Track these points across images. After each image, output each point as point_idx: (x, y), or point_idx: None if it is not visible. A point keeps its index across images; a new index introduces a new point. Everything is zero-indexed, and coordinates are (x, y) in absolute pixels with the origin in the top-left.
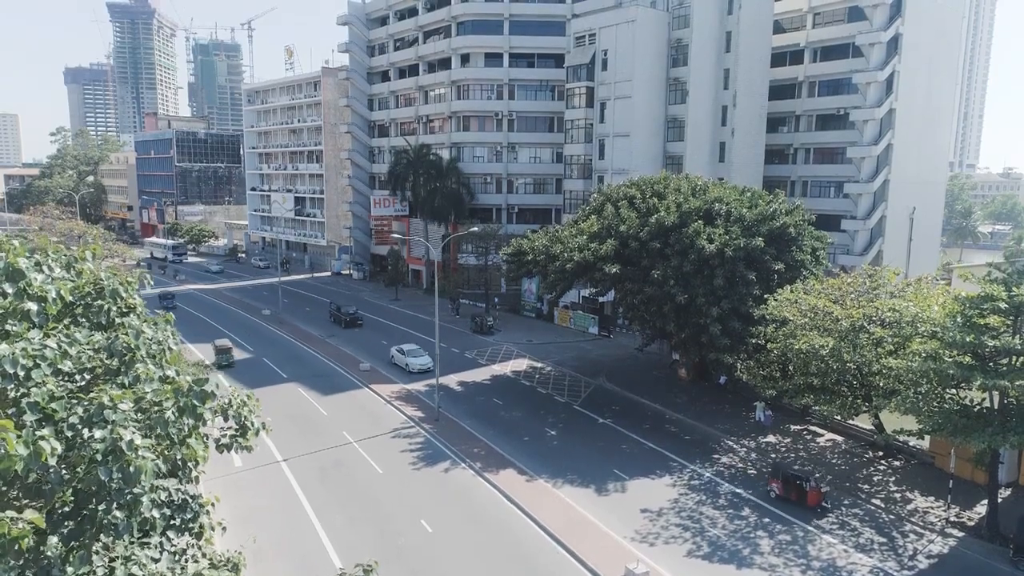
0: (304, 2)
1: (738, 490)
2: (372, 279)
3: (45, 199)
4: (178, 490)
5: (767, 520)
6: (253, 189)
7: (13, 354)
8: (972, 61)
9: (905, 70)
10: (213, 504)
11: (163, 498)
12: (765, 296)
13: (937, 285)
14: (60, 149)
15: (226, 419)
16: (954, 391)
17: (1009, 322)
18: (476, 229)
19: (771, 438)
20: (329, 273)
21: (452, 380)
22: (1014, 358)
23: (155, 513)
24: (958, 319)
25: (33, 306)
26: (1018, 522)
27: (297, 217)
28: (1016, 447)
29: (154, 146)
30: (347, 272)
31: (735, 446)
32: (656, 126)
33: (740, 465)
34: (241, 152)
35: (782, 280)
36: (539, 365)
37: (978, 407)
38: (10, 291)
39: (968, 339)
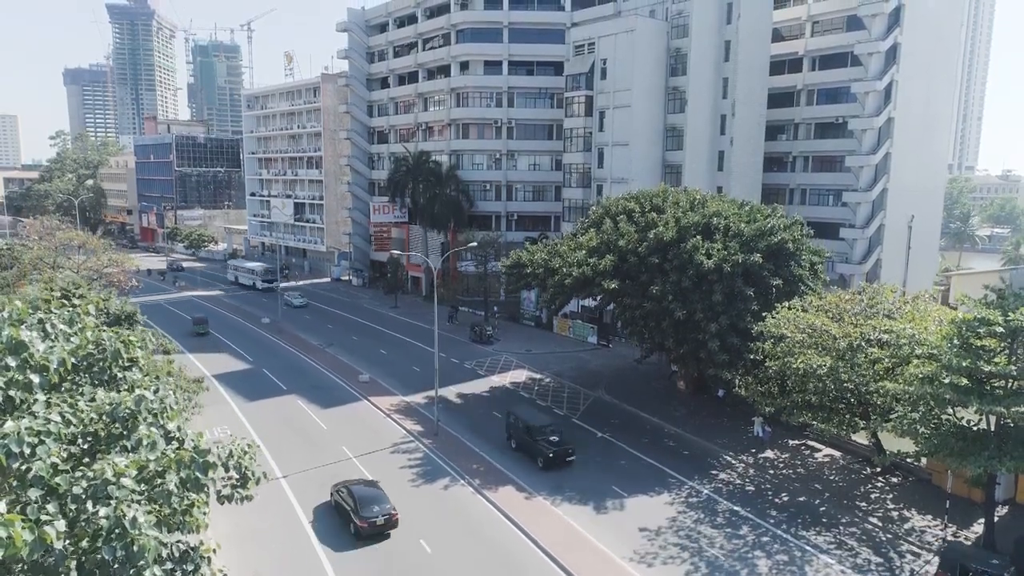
0: (304, 3)
1: (736, 508)
2: (371, 285)
3: (44, 203)
4: (179, 543)
5: (765, 540)
6: (253, 194)
7: (19, 432)
8: (971, 62)
9: (903, 79)
10: (215, 551)
11: (164, 554)
12: (764, 314)
13: (934, 303)
14: (60, 153)
15: (227, 469)
16: (951, 412)
17: (1004, 344)
18: (475, 244)
19: (769, 453)
20: (329, 279)
21: (451, 392)
22: (1010, 381)
23: (157, 571)
24: (955, 340)
25: (36, 378)
26: (1015, 544)
27: (297, 223)
28: (1012, 471)
29: (153, 150)
30: (346, 278)
31: (733, 461)
32: (655, 135)
33: (738, 482)
34: (241, 156)
35: (780, 295)
36: (538, 376)
37: (975, 427)
38: (13, 364)
39: (964, 363)
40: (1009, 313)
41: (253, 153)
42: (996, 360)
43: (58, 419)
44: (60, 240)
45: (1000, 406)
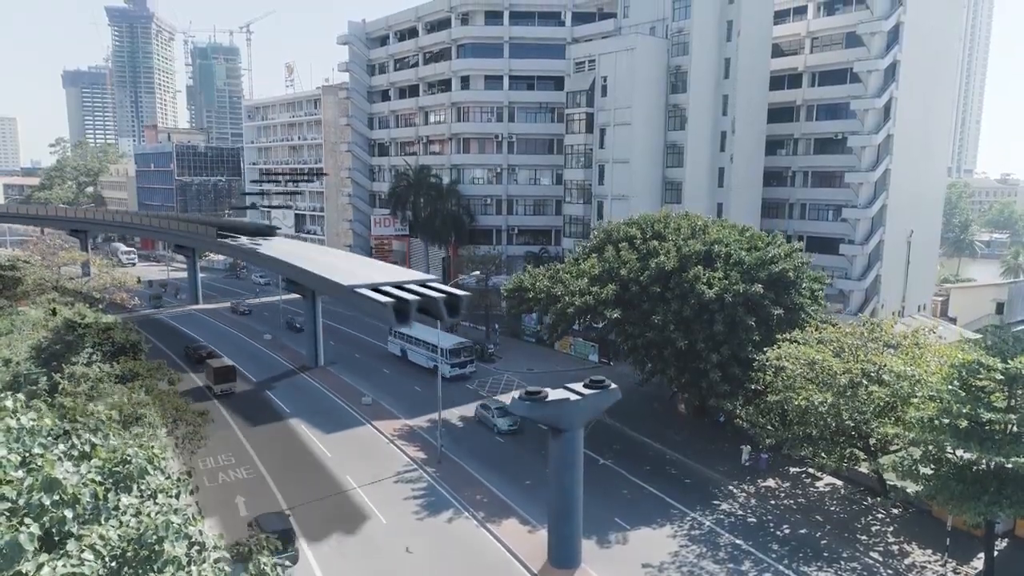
0: (304, 4)
1: (738, 541)
2: None
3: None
4: None
5: None
6: (253, 205)
7: None
8: (970, 64)
9: (903, 96)
10: None
11: None
12: (765, 348)
13: (934, 335)
14: (59, 160)
15: (245, 569)
16: (951, 452)
17: (1003, 387)
18: (477, 272)
19: (770, 482)
20: None
21: (454, 414)
22: (1009, 426)
23: None
24: (955, 382)
25: (69, 513)
26: None
27: (297, 234)
28: (1011, 516)
29: (154, 159)
30: None
31: (735, 491)
32: (655, 152)
33: (740, 512)
34: (241, 165)
35: (781, 323)
36: None
37: (975, 468)
38: (48, 503)
39: (965, 409)
40: (1008, 360)
41: (254, 163)
42: (995, 396)
43: (91, 557)
44: (62, 259)
45: (999, 455)
